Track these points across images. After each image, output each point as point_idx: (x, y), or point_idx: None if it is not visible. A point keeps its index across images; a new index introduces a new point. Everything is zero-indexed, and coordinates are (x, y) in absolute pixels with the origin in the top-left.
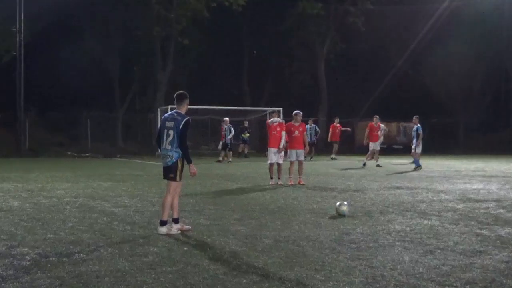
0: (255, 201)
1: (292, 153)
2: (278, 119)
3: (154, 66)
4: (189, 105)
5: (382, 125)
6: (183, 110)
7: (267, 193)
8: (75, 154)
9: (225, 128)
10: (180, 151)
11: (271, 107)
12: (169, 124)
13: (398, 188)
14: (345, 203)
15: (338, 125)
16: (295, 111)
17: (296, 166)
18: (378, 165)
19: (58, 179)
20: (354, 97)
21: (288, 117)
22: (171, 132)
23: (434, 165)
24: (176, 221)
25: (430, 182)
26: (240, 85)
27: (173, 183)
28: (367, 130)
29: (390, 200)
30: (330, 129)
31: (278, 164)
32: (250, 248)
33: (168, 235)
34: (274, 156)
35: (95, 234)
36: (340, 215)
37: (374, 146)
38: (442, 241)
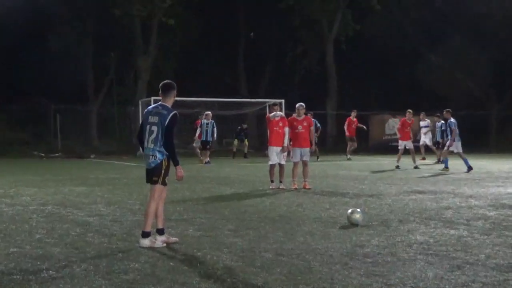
0: (253, 208)
1: (296, 153)
2: (280, 113)
3: (134, 51)
4: (176, 96)
5: (428, 121)
6: (169, 103)
7: (267, 199)
8: (43, 154)
9: (205, 123)
10: (164, 151)
11: (271, 98)
12: (153, 119)
13: (420, 192)
14: (358, 210)
15: (354, 119)
16: (297, 104)
17: (300, 167)
18: (416, 167)
19: (23, 183)
20: (368, 87)
21: (291, 110)
22: (154, 128)
23: (461, 165)
24: (160, 232)
25: (457, 186)
26: (235, 73)
27: (157, 188)
28: (398, 126)
29: (410, 206)
30: (346, 123)
31: (280, 166)
32: (247, 264)
33: (151, 248)
34: (276, 156)
35: (66, 247)
36: (352, 224)
37: (407, 145)
38: (471, 254)
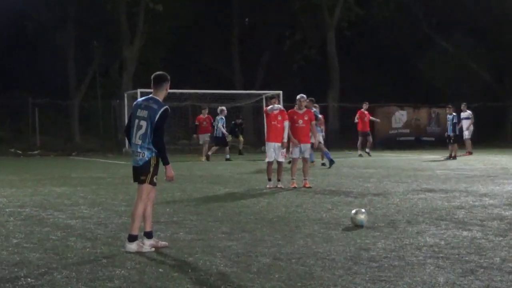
0: (249, 209)
1: (296, 148)
2: (279, 105)
3: (119, 39)
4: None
5: (469, 112)
6: (161, 96)
7: (264, 199)
8: (20, 152)
9: (219, 120)
10: (153, 148)
11: (268, 90)
12: (142, 113)
13: (429, 191)
14: (363, 210)
15: (366, 112)
16: (298, 95)
17: (300, 165)
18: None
19: None
20: (373, 77)
21: (290, 102)
22: (143, 123)
23: (475, 161)
24: (149, 235)
25: (470, 183)
26: (228, 62)
27: (145, 187)
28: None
29: (419, 206)
30: (358, 115)
31: (279, 163)
32: (243, 269)
33: (138, 253)
34: (273, 152)
35: (46, 253)
36: (356, 226)
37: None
38: (485, 257)
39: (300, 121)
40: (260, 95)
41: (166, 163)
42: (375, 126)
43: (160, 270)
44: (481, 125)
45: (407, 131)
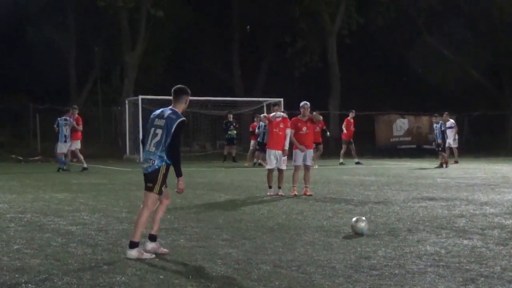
0: (249, 216)
1: (298, 155)
2: (282, 113)
3: (120, 46)
4: (164, 95)
5: (452, 120)
6: (179, 109)
7: (264, 207)
8: (21, 158)
9: (263, 125)
10: (165, 157)
11: (268, 97)
12: (159, 122)
13: (430, 199)
14: (364, 218)
15: (352, 120)
16: (302, 102)
17: (301, 172)
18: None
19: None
20: (373, 85)
21: (289, 110)
22: (159, 131)
23: (476, 169)
24: (153, 238)
25: (471, 192)
26: (229, 69)
27: (152, 196)
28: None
29: (420, 214)
30: (344, 124)
31: (280, 171)
32: (243, 276)
33: (139, 260)
34: (274, 160)
35: (46, 259)
36: (357, 234)
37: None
38: (486, 266)
39: (304, 128)
40: (260, 102)
41: (179, 174)
42: (376, 134)
43: (161, 276)
44: (482, 134)
45: (409, 139)
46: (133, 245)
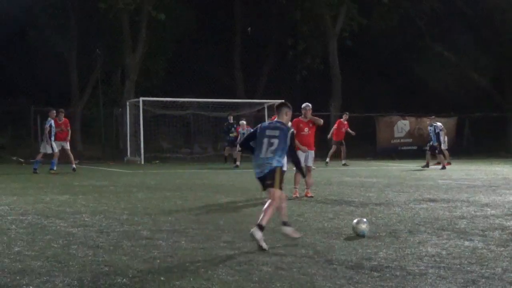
0: (250, 218)
1: (301, 157)
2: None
3: (121, 48)
4: (166, 96)
5: (439, 123)
6: (284, 120)
7: None
8: (22, 160)
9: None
10: (282, 160)
11: (269, 99)
12: (272, 132)
13: (431, 200)
14: (365, 220)
15: (345, 122)
16: (304, 104)
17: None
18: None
19: (0, 191)
20: (375, 87)
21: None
22: (274, 140)
23: (477, 171)
24: (286, 224)
25: (472, 194)
26: (231, 71)
27: (275, 191)
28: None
29: (421, 216)
30: (335, 125)
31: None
32: (245, 278)
33: (141, 263)
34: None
35: (48, 261)
36: (358, 235)
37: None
38: (487, 267)
39: (306, 129)
40: (262, 104)
41: (300, 170)
42: (377, 135)
43: (162, 278)
44: (483, 135)
45: (410, 140)
46: (260, 228)
